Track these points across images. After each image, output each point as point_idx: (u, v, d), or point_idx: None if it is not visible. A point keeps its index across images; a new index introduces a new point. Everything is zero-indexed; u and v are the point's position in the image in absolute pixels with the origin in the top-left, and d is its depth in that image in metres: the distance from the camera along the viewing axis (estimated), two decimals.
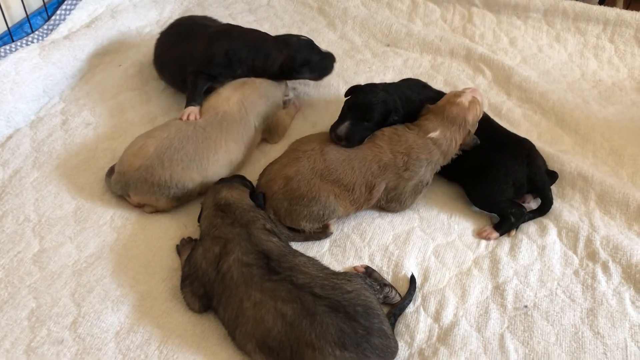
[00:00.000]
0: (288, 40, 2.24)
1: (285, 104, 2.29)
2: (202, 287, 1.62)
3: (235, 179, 1.87)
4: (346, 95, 2.05)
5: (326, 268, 1.64)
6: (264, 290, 1.52)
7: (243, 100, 2.07)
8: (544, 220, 1.96)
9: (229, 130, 2.00)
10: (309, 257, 1.66)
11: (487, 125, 2.04)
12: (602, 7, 2.74)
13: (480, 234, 1.92)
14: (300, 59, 2.20)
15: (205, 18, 2.44)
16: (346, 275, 1.60)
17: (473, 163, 1.97)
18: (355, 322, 1.48)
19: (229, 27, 2.32)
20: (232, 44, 2.19)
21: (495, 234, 1.91)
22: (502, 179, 1.94)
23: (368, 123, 1.94)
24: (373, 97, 1.96)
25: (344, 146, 1.90)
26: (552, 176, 2.05)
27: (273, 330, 1.48)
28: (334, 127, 1.93)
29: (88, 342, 1.57)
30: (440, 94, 2.10)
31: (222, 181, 1.85)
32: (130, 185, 1.87)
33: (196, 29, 2.28)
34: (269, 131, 2.16)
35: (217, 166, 1.96)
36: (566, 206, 2.00)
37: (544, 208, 1.96)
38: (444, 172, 2.01)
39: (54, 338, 1.57)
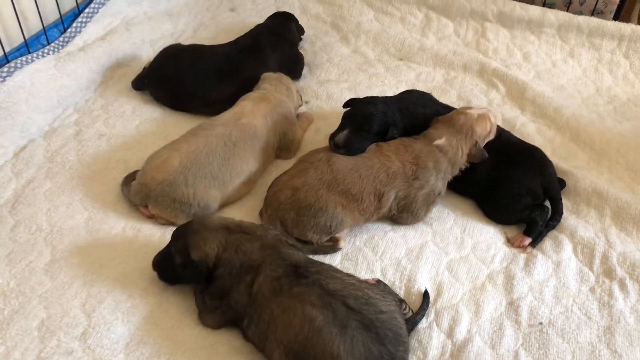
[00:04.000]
0: None
1: (298, 116, 2.29)
2: (235, 313, 1.61)
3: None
4: (344, 107, 2.07)
5: (354, 276, 1.63)
6: (292, 296, 1.51)
7: (266, 115, 2.05)
8: (559, 235, 1.94)
9: (254, 146, 1.99)
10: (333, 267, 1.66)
11: (497, 138, 2.02)
12: (616, 22, 2.73)
13: (513, 243, 1.91)
14: None
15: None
16: (380, 290, 1.59)
17: (486, 178, 1.97)
18: (383, 346, 1.47)
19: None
20: None
21: (527, 239, 1.89)
22: (516, 192, 1.94)
23: (367, 133, 1.94)
24: (372, 108, 1.98)
25: (343, 154, 1.90)
26: (561, 183, 2.06)
27: (299, 335, 1.46)
28: (333, 135, 1.94)
29: (98, 353, 1.56)
30: (449, 109, 2.10)
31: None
32: (150, 197, 1.86)
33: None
34: (283, 148, 2.15)
35: (238, 183, 1.96)
36: (581, 222, 1.97)
37: (557, 216, 1.96)
38: (458, 187, 2.00)
39: (64, 349, 1.56)
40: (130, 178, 1.98)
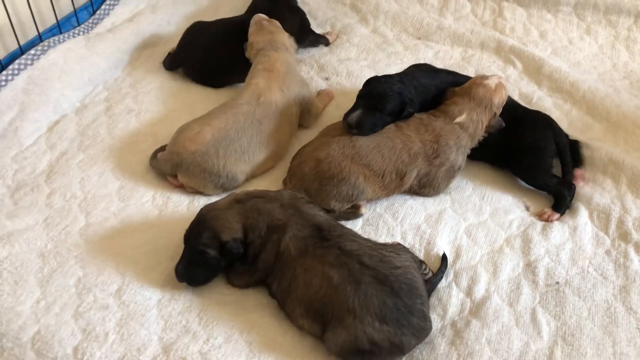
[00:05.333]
0: None
1: (318, 93, 2.36)
2: (262, 273, 1.67)
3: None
4: (363, 87, 2.05)
5: (373, 240, 1.69)
6: (315, 257, 1.57)
7: (282, 87, 2.10)
8: (575, 203, 1.98)
9: (278, 121, 2.05)
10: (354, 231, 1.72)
11: (511, 105, 2.08)
12: None
13: (540, 216, 1.94)
14: None
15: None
16: (395, 249, 1.65)
17: (501, 140, 2.01)
18: (399, 298, 1.52)
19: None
20: None
21: (556, 215, 1.93)
22: (544, 152, 2.00)
23: (381, 113, 1.95)
24: (388, 88, 1.96)
25: (355, 134, 1.92)
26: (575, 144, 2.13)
27: (319, 293, 1.53)
28: (347, 115, 1.95)
29: (132, 309, 1.64)
30: (456, 75, 2.14)
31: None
32: (182, 166, 1.93)
33: None
34: (303, 114, 2.19)
35: (265, 157, 2.03)
36: (598, 190, 2.02)
37: (568, 171, 2.02)
38: (483, 155, 2.05)
39: (100, 304, 1.64)
40: (157, 152, 2.06)
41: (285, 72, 2.15)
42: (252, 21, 2.32)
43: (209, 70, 2.39)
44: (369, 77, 2.08)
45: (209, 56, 2.38)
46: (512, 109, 2.08)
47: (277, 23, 2.33)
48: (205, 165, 1.92)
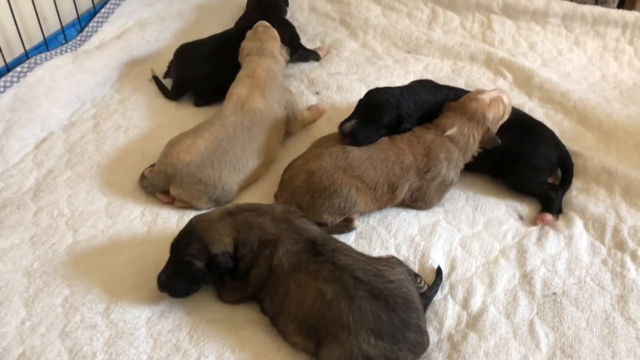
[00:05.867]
0: None
1: (309, 107, 2.34)
2: (254, 289, 1.63)
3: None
4: (364, 97, 2.05)
5: (367, 255, 1.66)
6: (309, 272, 1.54)
7: (264, 93, 2.11)
8: (570, 213, 1.97)
9: (267, 128, 2.05)
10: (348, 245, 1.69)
11: (514, 116, 2.06)
12: (620, 10, 2.78)
13: (534, 223, 1.93)
14: None
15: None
16: (389, 262, 1.62)
17: (508, 153, 1.99)
18: (394, 313, 1.49)
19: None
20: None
21: (549, 216, 1.93)
22: (539, 165, 2.00)
23: (376, 125, 1.94)
24: (385, 100, 1.96)
25: (349, 144, 1.91)
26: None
27: (312, 309, 1.50)
28: (342, 124, 1.95)
29: (120, 328, 1.59)
30: (457, 91, 2.13)
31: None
32: (176, 177, 1.90)
33: None
34: (288, 119, 2.17)
35: (257, 164, 2.02)
36: (592, 199, 2.00)
37: (568, 183, 2.04)
38: (473, 164, 2.02)
39: (88, 323, 1.60)
40: (147, 170, 2.03)
41: (265, 78, 2.16)
42: (254, 26, 2.35)
43: (218, 88, 2.32)
44: (367, 90, 2.07)
45: (213, 76, 2.35)
46: (520, 120, 2.07)
47: (274, 32, 2.34)
48: (201, 177, 1.90)
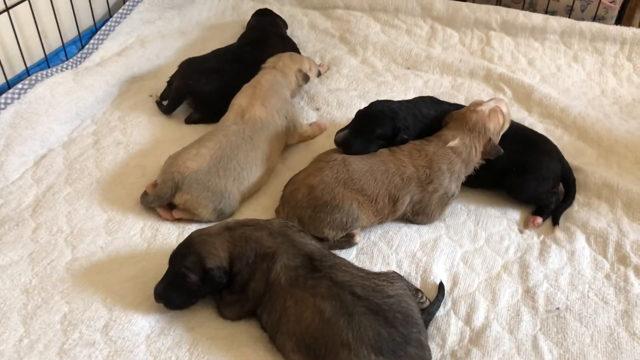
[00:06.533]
0: None
1: (310, 125, 2.35)
2: (253, 304, 1.62)
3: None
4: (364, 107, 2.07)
5: (365, 270, 1.65)
6: (306, 288, 1.53)
7: (263, 102, 2.13)
8: (572, 227, 1.96)
9: (268, 136, 2.07)
10: (347, 260, 1.68)
11: (516, 127, 2.08)
12: (618, 26, 2.79)
13: (526, 225, 1.97)
14: None
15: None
16: (388, 277, 1.60)
17: (513, 164, 2.00)
18: (394, 328, 1.47)
19: None
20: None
21: (539, 219, 1.96)
22: (545, 177, 2.00)
23: (369, 135, 1.95)
24: (380, 111, 1.98)
25: (342, 153, 1.93)
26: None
27: (311, 327, 1.48)
28: (336, 133, 1.98)
29: (119, 345, 1.58)
30: (459, 107, 2.13)
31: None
32: (184, 184, 1.89)
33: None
34: (288, 130, 2.18)
35: (260, 173, 2.04)
36: (593, 214, 1.99)
37: (571, 199, 2.04)
38: (475, 181, 2.02)
39: (86, 341, 1.58)
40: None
41: (267, 88, 2.18)
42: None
43: (217, 99, 2.32)
44: (371, 103, 2.07)
45: (220, 91, 2.33)
46: (519, 132, 2.08)
47: (299, 57, 2.41)
48: (209, 184, 1.91)
